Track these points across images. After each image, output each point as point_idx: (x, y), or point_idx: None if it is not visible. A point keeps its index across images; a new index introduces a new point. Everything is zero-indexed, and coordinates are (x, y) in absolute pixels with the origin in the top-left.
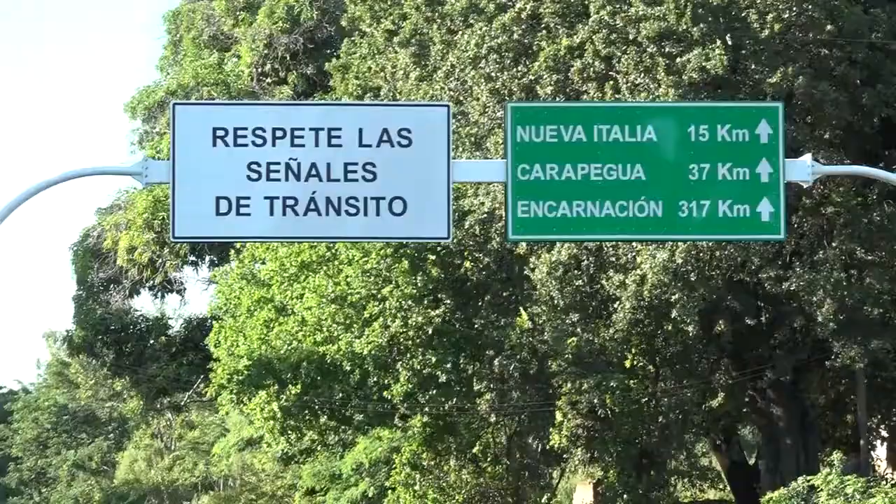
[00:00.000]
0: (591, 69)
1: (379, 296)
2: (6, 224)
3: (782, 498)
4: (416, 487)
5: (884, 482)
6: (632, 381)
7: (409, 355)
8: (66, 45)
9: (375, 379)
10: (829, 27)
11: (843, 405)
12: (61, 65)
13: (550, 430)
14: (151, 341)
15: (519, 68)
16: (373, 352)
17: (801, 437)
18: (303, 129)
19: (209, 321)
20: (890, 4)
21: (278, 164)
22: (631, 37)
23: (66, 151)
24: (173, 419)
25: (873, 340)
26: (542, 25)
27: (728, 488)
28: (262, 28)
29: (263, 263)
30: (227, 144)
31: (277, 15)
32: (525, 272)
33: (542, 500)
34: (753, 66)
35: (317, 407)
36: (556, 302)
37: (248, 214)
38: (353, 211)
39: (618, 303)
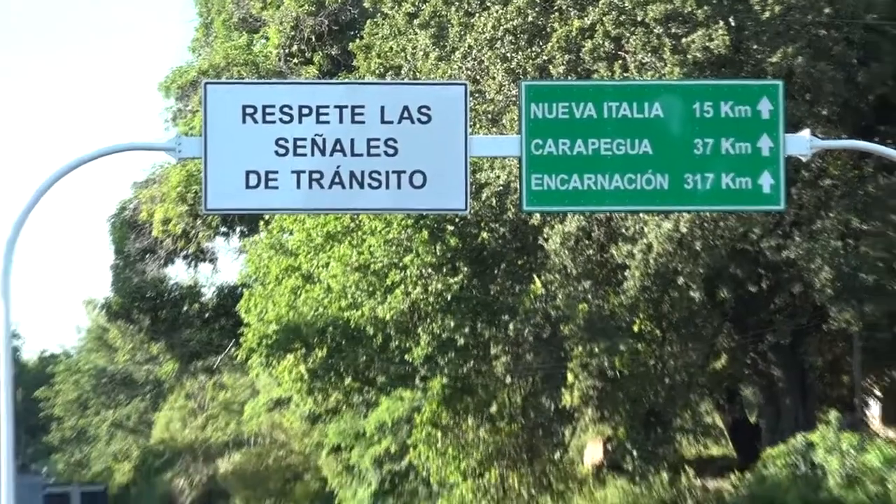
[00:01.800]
0: (601, 49)
1: (400, 264)
2: (46, 197)
3: (782, 454)
4: (437, 445)
5: (877, 438)
6: (640, 345)
7: (428, 320)
8: (103, 27)
9: (397, 343)
10: (827, 10)
11: (840, 367)
12: (99, 47)
13: (563, 390)
14: (185, 308)
15: (533, 49)
16: (394, 317)
17: (799, 396)
18: (328, 106)
19: (239, 289)
20: None
21: (304, 139)
22: (639, 18)
23: (103, 128)
24: (206, 381)
25: (868, 305)
26: (555, 8)
27: (731, 445)
28: (289, 11)
29: (291, 234)
30: (255, 121)
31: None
32: (539, 242)
33: (555, 457)
34: (755, 47)
35: (342, 369)
36: (568, 270)
37: (276, 188)
38: (375, 184)
39: (626, 271)
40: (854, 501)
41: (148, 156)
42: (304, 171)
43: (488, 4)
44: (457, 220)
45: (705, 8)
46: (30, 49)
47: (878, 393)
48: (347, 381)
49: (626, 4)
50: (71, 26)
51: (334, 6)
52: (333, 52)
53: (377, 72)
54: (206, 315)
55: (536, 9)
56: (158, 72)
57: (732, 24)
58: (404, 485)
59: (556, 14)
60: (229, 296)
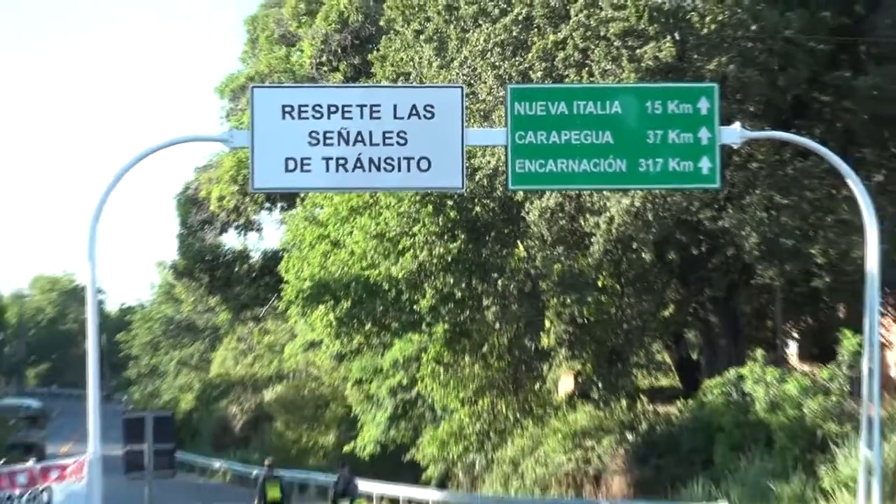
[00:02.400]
0: (572, 59)
1: (410, 232)
2: (125, 180)
3: (718, 385)
4: (440, 378)
5: (794, 372)
6: (603, 297)
7: (432, 278)
8: (169, 42)
9: (407, 296)
10: (753, 26)
11: (764, 314)
12: (169, 57)
13: (541, 334)
14: (236, 268)
15: (516, 58)
16: (405, 275)
17: (732, 338)
18: (351, 105)
19: (280, 252)
20: (799, 8)
21: (332, 132)
22: (602, 34)
23: (168, 122)
24: (253, 327)
25: (787, 264)
26: (534, 25)
27: (677, 377)
28: (319, 28)
29: (321, 208)
30: (292, 118)
31: (331, 18)
32: (521, 214)
33: (535, 387)
34: (695, 56)
35: (363, 317)
36: (545, 237)
37: (309, 171)
38: (389, 168)
39: (592, 238)
40: (776, 423)
41: (206, 146)
42: (331, 158)
43: (480, 23)
44: (455, 196)
45: (655, 25)
46: (110, 53)
47: (795, 335)
48: (367, 326)
49: (591, 22)
50: (142, 36)
51: (356, 24)
52: (355, 62)
53: (390, 77)
54: (254, 274)
55: (519, 26)
56: (215, 77)
57: (677, 38)
58: (413, 410)
59: (535, 30)
60: (272, 258)
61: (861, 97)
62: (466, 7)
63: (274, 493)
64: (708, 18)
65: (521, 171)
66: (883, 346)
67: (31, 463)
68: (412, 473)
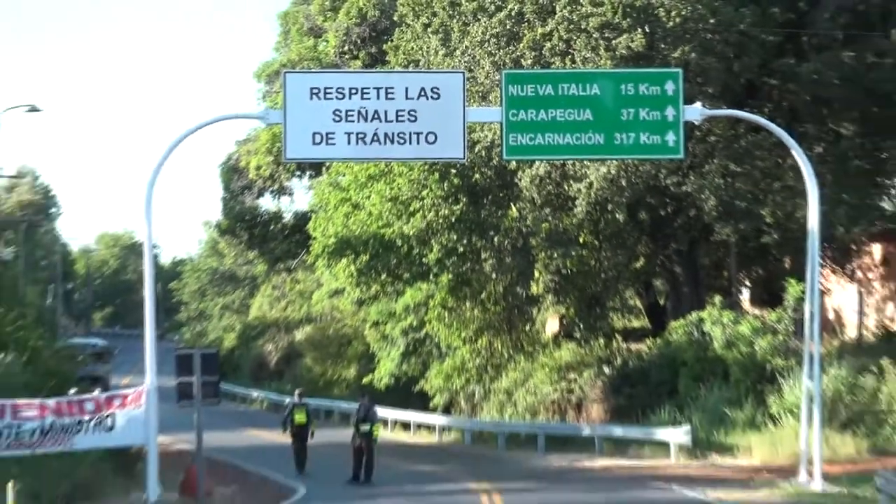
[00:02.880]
0: (557, 48)
1: (419, 196)
2: (177, 150)
3: (681, 325)
4: (445, 321)
5: (747, 315)
6: (584, 252)
7: (438, 235)
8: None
9: (417, 250)
10: (711, 20)
11: (721, 265)
12: (215, 46)
13: (531, 283)
14: (271, 227)
15: (510, 48)
16: (415, 233)
17: (693, 286)
18: (369, 88)
19: (309, 213)
20: (751, 5)
21: (353, 111)
22: (582, 27)
23: (211, 105)
24: (286, 277)
25: (740, 223)
26: (525, 19)
27: (647, 320)
28: (342, 23)
29: (343, 176)
30: (319, 98)
31: (352, 14)
32: (515, 181)
33: (526, 328)
34: (662, 46)
35: (379, 269)
36: (535, 200)
37: (334, 144)
38: (401, 141)
39: (575, 201)
40: (731, 358)
41: (246, 122)
42: (352, 133)
43: (479, 17)
44: (458, 166)
45: (628, 19)
46: (170, 40)
47: (747, 283)
48: (383, 277)
49: (574, 17)
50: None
51: (373, 19)
52: (373, 51)
53: (402, 64)
54: (286, 232)
55: (512, 20)
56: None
57: (647, 30)
58: (422, 348)
59: (526, 24)
60: (302, 218)
61: (804, 81)
62: (467, 4)
63: (300, 417)
64: (673, 13)
65: (514, 143)
66: (822, 292)
67: (97, 393)
68: (421, 402)
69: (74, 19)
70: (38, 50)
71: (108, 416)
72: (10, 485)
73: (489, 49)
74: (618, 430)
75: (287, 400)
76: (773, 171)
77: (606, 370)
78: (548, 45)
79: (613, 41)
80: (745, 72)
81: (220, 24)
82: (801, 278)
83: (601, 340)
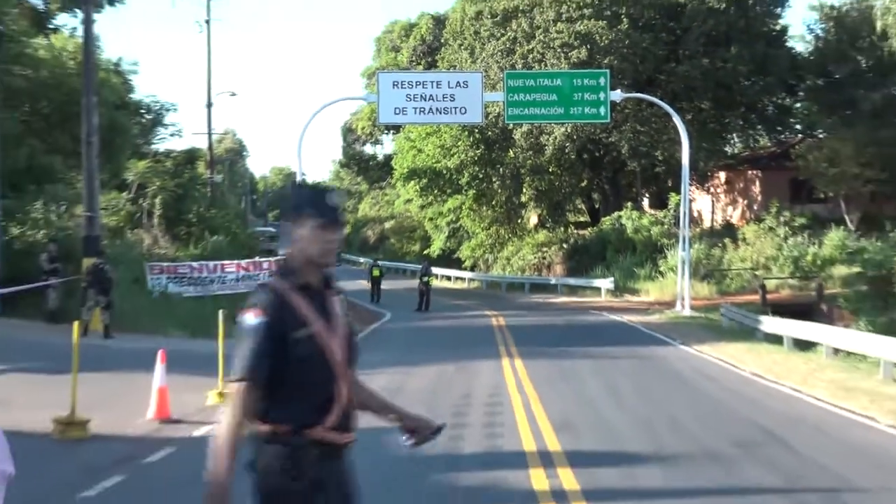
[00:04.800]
0: (536, 58)
1: (456, 145)
2: (314, 122)
3: (608, 220)
4: (470, 217)
5: (646, 213)
6: (551, 177)
7: (467, 167)
8: (341, 49)
9: (455, 176)
10: (626, 41)
11: (632, 185)
12: (342, 57)
13: (521, 195)
14: (370, 162)
15: (508, 58)
16: (454, 165)
17: (615, 197)
18: (426, 81)
19: (392, 154)
20: (649, 33)
21: (417, 94)
22: (551, 45)
23: (336, 90)
24: (379, 194)
25: (643, 160)
26: (517, 41)
27: (588, 217)
28: (411, 43)
29: (412, 133)
30: (397, 87)
31: (417, 38)
32: (512, 135)
33: (518, 221)
34: (598, 56)
35: (433, 187)
36: (523, 146)
37: (406, 114)
38: (445, 112)
39: (546, 147)
40: (637, 239)
41: (355, 102)
42: (417, 107)
43: (490, 41)
44: (478, 127)
45: (577, 41)
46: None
47: (647, 195)
48: (435, 191)
49: (546, 40)
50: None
51: (429, 40)
52: (429, 60)
53: (446, 67)
54: (379, 165)
55: (509, 43)
56: (360, 64)
57: (588, 48)
58: (458, 233)
59: (518, 44)
60: (388, 157)
61: (679, 76)
62: (483, 32)
63: (376, 272)
64: (604, 38)
65: (511, 113)
66: (690, 200)
67: (269, 259)
68: (457, 264)
69: (251, 20)
70: (228, 43)
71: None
72: (220, 311)
73: (496, 59)
74: (571, 281)
75: (367, 262)
76: (662, 130)
77: (564, 246)
78: (531, 56)
79: (569, 54)
80: (646, 71)
81: (342, 43)
82: (677, 192)
83: (561, 228)
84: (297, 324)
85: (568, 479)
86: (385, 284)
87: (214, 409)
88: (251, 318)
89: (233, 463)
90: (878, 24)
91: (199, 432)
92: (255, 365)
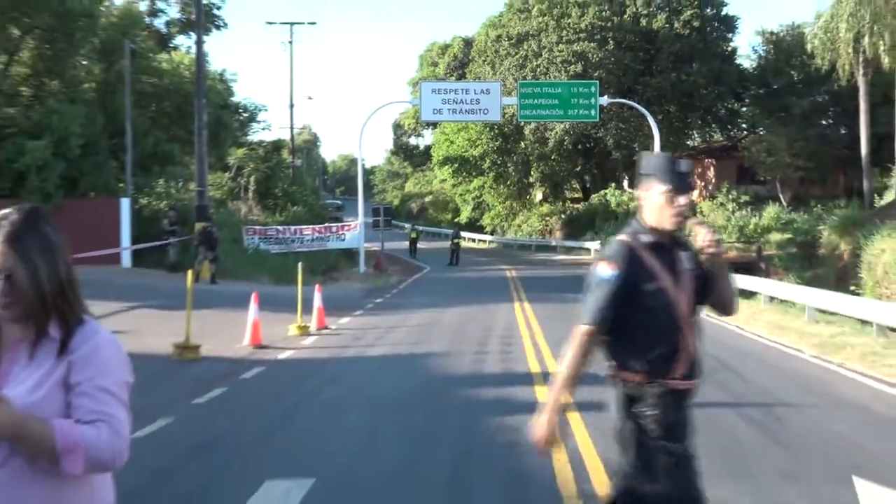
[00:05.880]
0: (542, 71)
1: (481, 138)
2: (371, 119)
3: (597, 196)
4: (491, 194)
5: (627, 191)
6: (553, 163)
7: (489, 155)
8: (395, 55)
9: (478, 162)
10: (612, 59)
11: (615, 169)
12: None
13: (530, 177)
14: (414, 151)
15: (521, 71)
16: (478, 154)
17: (602, 178)
18: (457, 89)
19: (430, 145)
20: (630, 52)
21: (451, 98)
22: (554, 62)
23: (387, 93)
24: (422, 174)
25: (624, 151)
26: (528, 59)
27: (582, 194)
28: (446, 59)
29: (446, 129)
30: (436, 93)
31: (450, 56)
32: (523, 130)
33: (527, 197)
34: (590, 70)
35: (462, 170)
36: (532, 139)
37: (442, 114)
38: (472, 112)
39: (549, 140)
40: (618, 211)
41: (403, 105)
42: (451, 108)
43: (506, 58)
44: (498, 123)
45: (574, 57)
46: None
47: (627, 178)
48: (464, 174)
49: (550, 57)
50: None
51: (461, 57)
52: (459, 72)
53: (473, 78)
54: (420, 152)
55: (522, 59)
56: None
57: (583, 64)
58: (481, 206)
59: (528, 61)
60: (428, 147)
61: (653, 87)
62: (502, 52)
63: (413, 235)
64: (594, 56)
65: (523, 113)
66: None
67: (337, 224)
68: (480, 229)
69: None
70: (307, 56)
71: (342, 233)
72: (299, 265)
73: (511, 72)
74: (567, 243)
75: (409, 226)
76: (639, 127)
77: (563, 216)
78: (538, 70)
79: (568, 68)
80: (626, 82)
81: (393, 58)
82: None
83: (560, 203)
84: (647, 277)
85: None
86: (424, 245)
87: (294, 338)
88: (605, 269)
89: (566, 394)
90: (808, 46)
91: (282, 356)
92: (602, 313)
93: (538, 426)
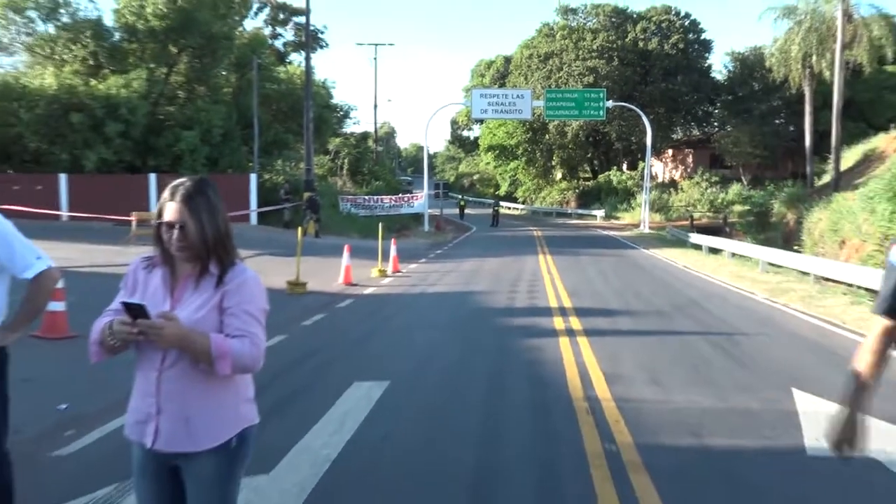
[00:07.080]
0: (562, 82)
1: (516, 131)
2: (435, 117)
3: (604, 177)
4: (522, 173)
5: (626, 172)
6: (570, 151)
7: (522, 145)
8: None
9: (514, 150)
10: (616, 72)
11: (617, 156)
12: (448, 77)
13: (552, 161)
14: (466, 140)
15: (547, 81)
16: (514, 143)
17: (607, 163)
18: (498, 94)
19: (479, 136)
20: (629, 67)
21: (493, 102)
22: (572, 74)
23: (446, 96)
24: (472, 158)
25: (624, 142)
26: (552, 71)
27: (591, 175)
28: (491, 72)
29: (490, 124)
30: (483, 98)
31: (493, 70)
32: (548, 126)
33: (550, 176)
34: (599, 81)
35: (502, 156)
36: (554, 133)
37: (487, 113)
38: (510, 112)
39: (568, 133)
40: (619, 188)
41: (458, 107)
42: (494, 109)
43: (536, 72)
44: (529, 120)
45: (587, 71)
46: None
47: (626, 162)
48: (503, 158)
49: (570, 71)
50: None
51: (502, 70)
52: (500, 82)
53: (510, 87)
54: (471, 143)
55: (547, 72)
56: (462, 82)
57: (594, 76)
58: (515, 182)
59: (552, 73)
60: (477, 138)
61: (647, 94)
62: (533, 66)
63: (462, 203)
64: (603, 70)
65: (549, 113)
66: (651, 166)
67: (408, 195)
68: (515, 200)
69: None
70: (390, 66)
71: (412, 202)
72: (380, 224)
73: (540, 81)
74: (580, 211)
75: (459, 197)
76: (635, 124)
77: (576, 191)
78: (560, 80)
79: (582, 79)
80: (626, 90)
81: (453, 70)
82: (643, 161)
83: (575, 181)
84: None
85: (575, 323)
86: (471, 211)
87: (376, 279)
88: None
89: (871, 380)
90: (767, 63)
91: (367, 291)
92: (889, 301)
93: (834, 427)
